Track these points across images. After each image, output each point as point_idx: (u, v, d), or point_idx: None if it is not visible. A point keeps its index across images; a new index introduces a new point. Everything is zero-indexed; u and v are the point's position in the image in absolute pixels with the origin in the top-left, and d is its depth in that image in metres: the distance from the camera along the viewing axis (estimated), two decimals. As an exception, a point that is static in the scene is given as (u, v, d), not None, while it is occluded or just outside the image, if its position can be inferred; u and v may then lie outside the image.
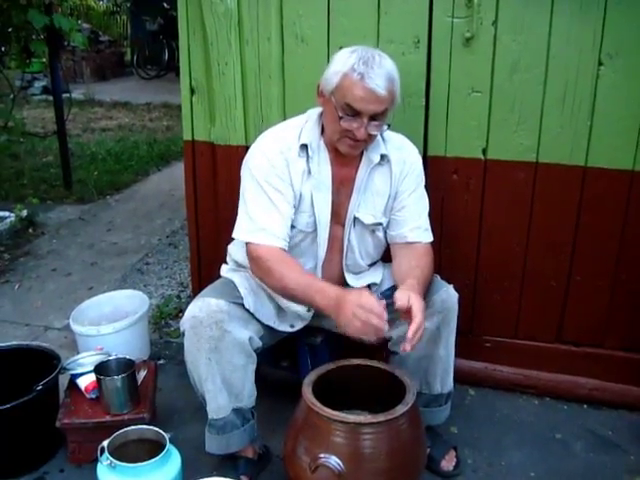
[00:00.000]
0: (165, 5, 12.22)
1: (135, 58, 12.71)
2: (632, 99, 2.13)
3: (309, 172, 1.98)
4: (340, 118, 1.85)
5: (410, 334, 1.72)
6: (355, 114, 1.84)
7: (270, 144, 1.99)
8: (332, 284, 1.86)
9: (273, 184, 1.94)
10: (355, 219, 2.05)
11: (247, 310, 1.98)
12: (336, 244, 2.09)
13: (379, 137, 2.02)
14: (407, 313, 1.75)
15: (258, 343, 2.00)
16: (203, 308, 1.88)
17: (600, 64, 2.12)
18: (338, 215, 2.05)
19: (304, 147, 1.97)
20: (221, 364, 1.91)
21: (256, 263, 1.94)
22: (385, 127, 1.92)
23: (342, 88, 1.84)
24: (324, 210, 2.01)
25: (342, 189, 2.03)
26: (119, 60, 13.32)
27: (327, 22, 2.29)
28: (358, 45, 1.90)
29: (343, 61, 1.85)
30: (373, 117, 1.85)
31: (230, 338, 1.89)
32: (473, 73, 2.23)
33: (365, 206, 2.05)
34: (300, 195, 1.99)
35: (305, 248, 2.06)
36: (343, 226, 2.07)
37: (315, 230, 2.03)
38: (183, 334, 1.93)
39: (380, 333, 1.71)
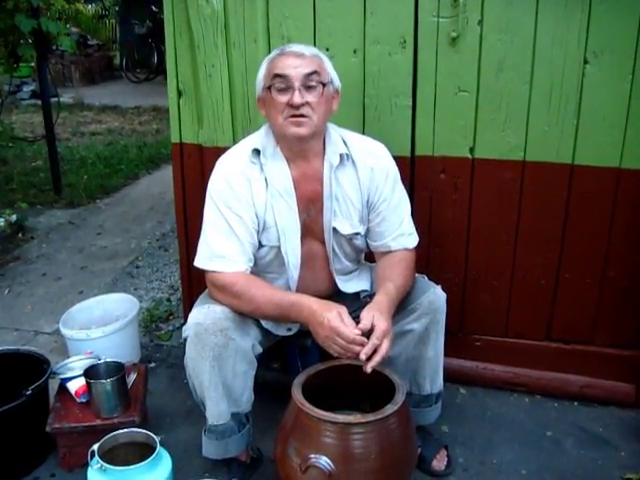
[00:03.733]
0: (154, 8, 12.19)
1: (124, 62, 12.65)
2: (617, 97, 2.14)
3: (266, 182, 1.94)
4: (269, 88, 1.86)
5: (362, 356, 1.72)
6: (286, 84, 1.84)
7: (230, 165, 1.96)
8: (305, 295, 1.87)
9: (233, 208, 1.90)
10: (333, 229, 2.01)
11: (246, 316, 1.94)
12: (318, 260, 2.06)
13: (339, 138, 1.99)
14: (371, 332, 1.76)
15: (259, 350, 1.99)
16: (209, 315, 1.85)
17: (585, 62, 2.13)
18: (312, 231, 2.01)
19: (257, 152, 1.94)
20: (223, 371, 1.89)
21: (222, 291, 1.89)
22: (321, 90, 1.87)
23: (268, 71, 1.89)
24: (289, 217, 1.96)
25: (311, 206, 1.99)
26: (108, 64, 13.25)
27: (313, 23, 2.29)
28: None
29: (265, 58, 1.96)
30: (306, 85, 1.84)
31: (234, 345, 1.88)
32: (459, 72, 2.23)
33: (341, 214, 2.00)
34: (265, 210, 1.95)
35: (278, 265, 2.03)
36: (322, 242, 2.03)
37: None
38: (185, 340, 1.90)
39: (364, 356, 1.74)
